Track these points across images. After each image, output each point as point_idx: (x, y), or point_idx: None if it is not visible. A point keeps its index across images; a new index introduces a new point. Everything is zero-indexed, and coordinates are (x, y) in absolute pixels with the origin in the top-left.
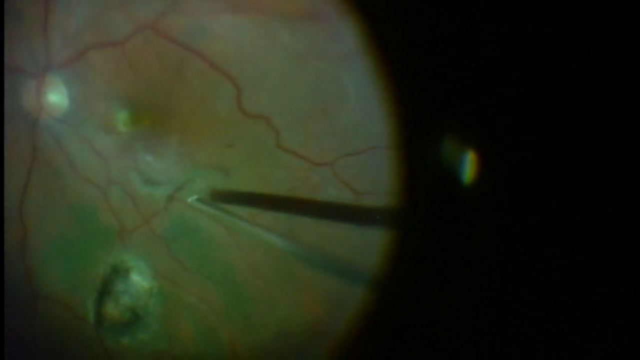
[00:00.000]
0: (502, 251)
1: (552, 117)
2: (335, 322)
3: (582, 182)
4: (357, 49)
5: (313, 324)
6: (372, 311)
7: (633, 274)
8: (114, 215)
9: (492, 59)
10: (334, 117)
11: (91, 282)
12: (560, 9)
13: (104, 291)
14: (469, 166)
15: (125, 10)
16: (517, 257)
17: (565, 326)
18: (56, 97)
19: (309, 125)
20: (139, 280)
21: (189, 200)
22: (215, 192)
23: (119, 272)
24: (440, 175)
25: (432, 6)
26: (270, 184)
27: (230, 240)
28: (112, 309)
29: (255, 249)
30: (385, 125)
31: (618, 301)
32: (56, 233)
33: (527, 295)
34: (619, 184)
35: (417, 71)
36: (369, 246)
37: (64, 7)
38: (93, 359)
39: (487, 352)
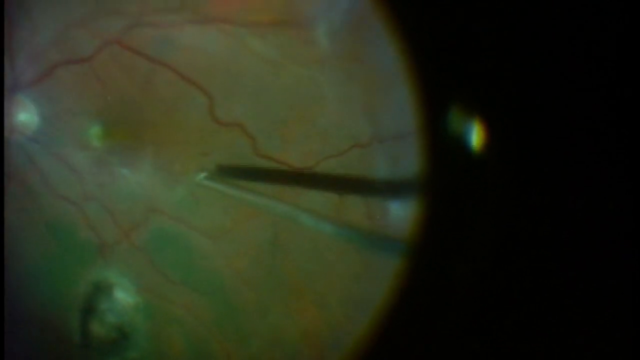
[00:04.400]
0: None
1: (555, 109)
2: (329, 327)
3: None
4: (333, 52)
5: (306, 330)
6: (364, 309)
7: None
8: (93, 231)
9: (492, 56)
10: (313, 120)
11: (74, 301)
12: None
13: (88, 310)
14: (473, 145)
15: (89, 26)
16: (523, 245)
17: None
18: (26, 116)
19: (287, 130)
20: (123, 296)
21: (197, 178)
22: (222, 169)
23: (101, 289)
24: (440, 163)
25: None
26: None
27: (214, 249)
28: (97, 329)
29: (241, 256)
30: (367, 123)
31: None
32: (35, 253)
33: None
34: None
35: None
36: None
37: (28, 26)
38: None
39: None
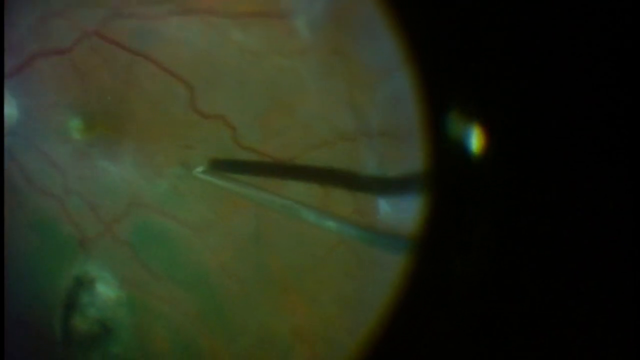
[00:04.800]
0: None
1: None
2: (319, 323)
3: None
4: (315, 44)
5: (296, 326)
6: (355, 306)
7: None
8: (74, 225)
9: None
10: (294, 111)
11: (55, 297)
12: None
13: (70, 305)
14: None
15: (68, 17)
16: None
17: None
18: (4, 109)
19: (268, 121)
20: (105, 290)
21: (194, 172)
22: (219, 163)
23: (83, 283)
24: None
25: None
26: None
27: (198, 242)
28: (79, 323)
29: (226, 248)
30: (351, 116)
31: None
32: (15, 249)
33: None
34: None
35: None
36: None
37: (5, 15)
38: None
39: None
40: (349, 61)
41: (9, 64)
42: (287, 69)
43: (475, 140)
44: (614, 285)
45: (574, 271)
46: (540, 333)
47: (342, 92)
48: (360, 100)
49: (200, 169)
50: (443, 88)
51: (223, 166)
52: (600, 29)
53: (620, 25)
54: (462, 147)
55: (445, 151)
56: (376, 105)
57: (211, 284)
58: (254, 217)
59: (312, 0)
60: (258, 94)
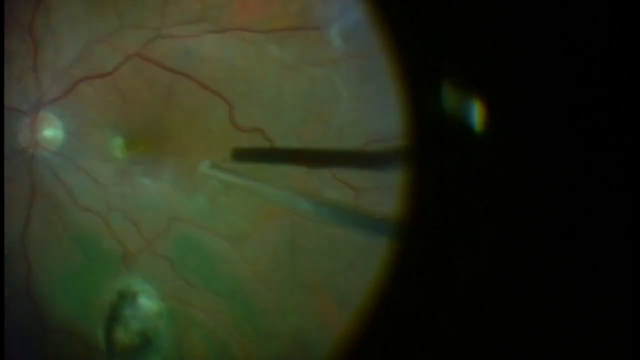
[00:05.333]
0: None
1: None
2: (349, 324)
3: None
4: (348, 52)
5: (326, 328)
6: (384, 307)
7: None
8: (117, 241)
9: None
10: (328, 120)
11: (99, 310)
12: None
13: (113, 318)
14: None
15: (111, 41)
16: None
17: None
18: (50, 131)
19: (304, 131)
20: (147, 303)
21: (201, 169)
22: (235, 156)
23: (125, 297)
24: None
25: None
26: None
27: (236, 254)
28: (122, 335)
29: (261, 258)
30: (381, 119)
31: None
32: (60, 265)
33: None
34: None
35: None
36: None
37: (52, 44)
38: None
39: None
40: (383, 64)
41: (56, 89)
42: (321, 78)
43: (476, 137)
44: (613, 285)
45: (572, 271)
46: (536, 334)
47: (376, 96)
48: (391, 102)
49: (206, 164)
50: (442, 81)
51: (235, 162)
52: (599, 26)
53: (621, 23)
54: (462, 145)
55: (446, 149)
56: (409, 104)
57: (246, 293)
58: (289, 225)
59: (344, 9)
60: (294, 106)
